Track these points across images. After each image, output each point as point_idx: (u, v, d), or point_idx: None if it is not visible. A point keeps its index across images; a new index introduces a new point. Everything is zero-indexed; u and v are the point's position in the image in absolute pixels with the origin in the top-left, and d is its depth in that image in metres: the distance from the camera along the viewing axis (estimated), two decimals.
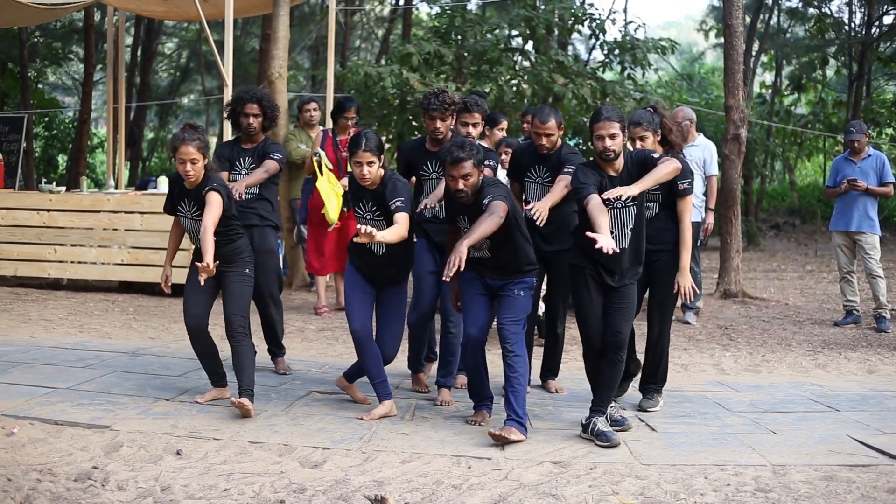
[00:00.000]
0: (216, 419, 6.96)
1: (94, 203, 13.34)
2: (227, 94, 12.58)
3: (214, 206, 6.98)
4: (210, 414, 7.09)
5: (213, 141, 31.94)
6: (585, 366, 7.06)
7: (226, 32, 12.88)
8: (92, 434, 6.54)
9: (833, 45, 28.65)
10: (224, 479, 5.69)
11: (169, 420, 6.92)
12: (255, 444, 6.45)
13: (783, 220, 28.74)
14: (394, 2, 33.15)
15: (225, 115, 8.92)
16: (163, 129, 37.06)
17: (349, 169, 7.41)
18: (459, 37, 17.76)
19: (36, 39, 27.86)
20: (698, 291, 11.71)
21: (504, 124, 9.79)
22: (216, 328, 7.60)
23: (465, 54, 17.47)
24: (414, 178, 8.01)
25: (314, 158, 11.03)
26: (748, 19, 26.09)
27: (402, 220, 6.86)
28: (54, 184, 15.38)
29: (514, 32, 18.15)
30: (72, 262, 13.27)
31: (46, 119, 29.93)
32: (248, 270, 7.37)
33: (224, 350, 7.63)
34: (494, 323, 7.56)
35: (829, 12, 28.80)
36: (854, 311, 12.13)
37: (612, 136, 6.63)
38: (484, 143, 9.51)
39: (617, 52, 17.79)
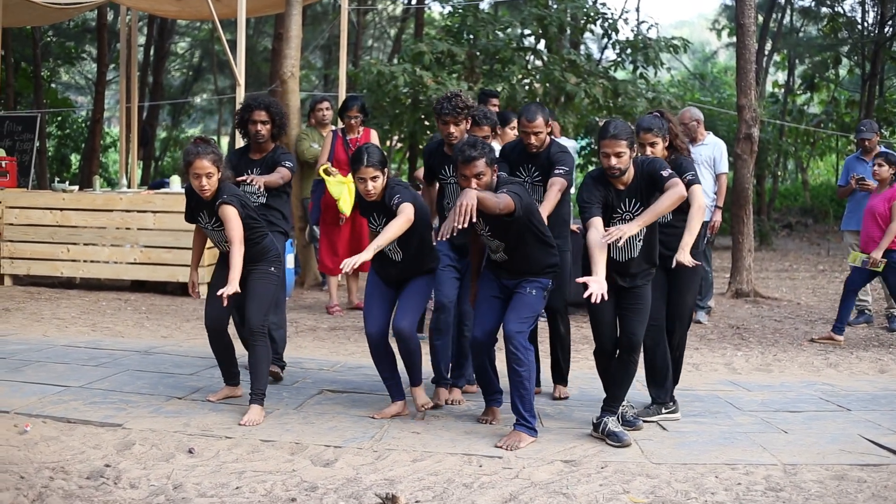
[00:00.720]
0: (228, 418, 6.97)
1: (106, 202, 13.37)
2: (240, 94, 12.63)
3: (233, 220, 6.91)
4: (222, 412, 7.11)
5: (225, 142, 32.03)
6: (596, 364, 7.03)
7: (238, 32, 12.91)
8: (104, 432, 6.57)
9: (846, 45, 28.55)
10: (236, 478, 5.71)
11: (181, 418, 6.94)
12: (266, 442, 6.47)
13: (795, 220, 28.68)
14: (406, 1, 33.14)
15: (234, 123, 8.78)
16: (175, 129, 37.15)
17: None
18: (472, 36, 17.79)
19: (49, 39, 27.95)
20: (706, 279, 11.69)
21: (515, 123, 9.79)
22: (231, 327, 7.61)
23: (478, 53, 17.50)
24: (437, 184, 7.97)
25: (321, 170, 11.13)
26: (761, 18, 26.06)
27: (403, 211, 6.76)
28: (67, 183, 15.41)
29: (527, 31, 18.19)
30: (84, 260, 13.30)
31: (59, 118, 30.01)
32: (273, 269, 7.28)
33: (240, 350, 7.67)
34: None
35: (841, 11, 28.71)
36: (866, 311, 12.11)
37: (619, 155, 6.48)
38: (496, 144, 9.52)
39: (629, 51, 17.82)
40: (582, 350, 9.72)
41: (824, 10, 28.77)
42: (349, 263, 6.47)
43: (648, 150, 7.09)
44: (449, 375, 7.79)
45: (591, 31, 19.30)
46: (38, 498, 5.20)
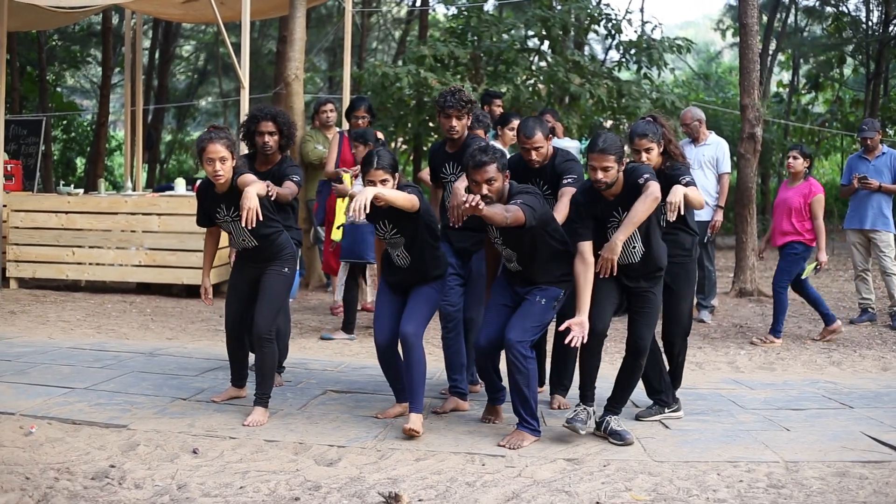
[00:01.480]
0: (232, 418, 7.00)
1: (111, 205, 13.41)
2: (244, 97, 12.66)
3: (253, 183, 6.75)
4: (226, 413, 7.14)
5: None
6: (580, 352, 6.81)
7: (243, 35, 12.94)
8: (109, 433, 6.59)
9: (850, 44, 28.56)
10: (240, 478, 5.73)
11: (185, 419, 6.97)
12: (270, 442, 6.49)
13: None
14: (410, 3, 33.17)
15: (240, 136, 8.44)
16: (180, 132, 37.16)
17: None
18: (476, 37, 17.83)
19: (54, 43, 28.02)
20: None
21: (515, 123, 9.79)
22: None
23: (482, 55, 17.53)
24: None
25: (341, 176, 11.10)
26: (765, 18, 26.11)
27: (408, 195, 6.63)
28: (72, 186, 15.46)
29: (531, 33, 18.25)
30: (90, 263, 13.34)
31: (65, 122, 30.09)
32: (286, 270, 7.18)
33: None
34: None
35: (846, 11, 28.73)
36: (869, 309, 12.11)
37: (606, 169, 6.40)
38: (497, 144, 9.53)
39: (633, 51, 17.84)
40: None
41: (828, 9, 28.80)
42: (353, 207, 6.20)
43: (643, 156, 7.02)
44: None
45: (595, 32, 19.35)
46: (44, 498, 5.23)
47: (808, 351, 10.33)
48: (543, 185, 7.33)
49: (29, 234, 13.45)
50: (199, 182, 7.43)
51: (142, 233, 13.16)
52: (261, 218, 6.63)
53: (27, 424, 6.61)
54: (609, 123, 18.55)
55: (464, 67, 17.23)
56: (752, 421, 7.31)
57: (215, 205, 7.03)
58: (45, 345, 9.60)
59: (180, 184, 14.22)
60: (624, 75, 19.12)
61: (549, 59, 18.19)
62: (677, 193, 6.77)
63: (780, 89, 31.15)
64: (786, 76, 33.81)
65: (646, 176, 6.47)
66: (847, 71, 31.20)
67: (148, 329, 10.86)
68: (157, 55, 29.89)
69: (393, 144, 20.75)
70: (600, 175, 6.41)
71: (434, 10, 30.71)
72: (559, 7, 18.06)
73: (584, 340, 6.29)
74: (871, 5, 28.74)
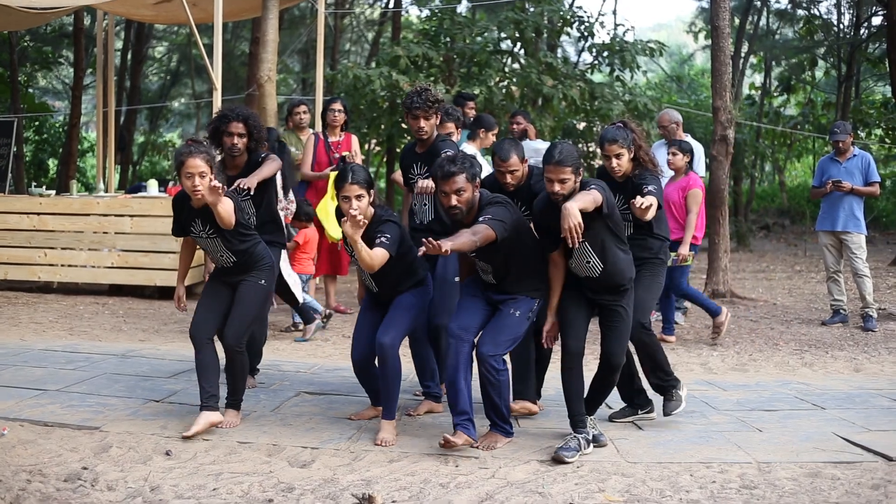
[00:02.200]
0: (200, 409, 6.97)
1: (84, 206, 13.36)
2: (217, 98, 12.62)
3: (226, 202, 6.59)
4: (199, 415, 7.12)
5: None
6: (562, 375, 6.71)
7: (215, 36, 12.91)
8: (81, 435, 6.58)
9: (822, 47, 28.73)
10: (213, 479, 5.73)
11: (158, 421, 6.95)
12: (244, 444, 6.49)
13: (773, 221, 28.80)
14: (384, 4, 33.17)
15: (206, 134, 8.08)
16: (153, 133, 37.02)
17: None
18: (449, 39, 17.83)
19: (26, 44, 27.84)
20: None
21: (496, 130, 9.79)
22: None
23: (455, 57, 17.54)
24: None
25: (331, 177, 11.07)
26: (737, 21, 26.18)
27: (376, 255, 6.40)
28: (44, 187, 15.39)
29: (503, 35, 18.22)
30: (62, 265, 13.28)
31: (37, 123, 29.91)
32: (263, 282, 7.03)
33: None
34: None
35: (817, 14, 28.89)
36: (841, 311, 12.17)
37: (563, 182, 6.23)
38: (473, 147, 9.53)
39: (606, 54, 17.87)
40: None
41: (800, 12, 28.93)
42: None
43: (614, 161, 6.84)
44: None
45: (568, 35, 19.37)
46: (16, 501, 5.21)
47: (781, 352, 10.38)
48: (521, 205, 7.04)
49: (0, 236, 13.37)
50: (173, 189, 7.27)
51: (114, 234, 13.11)
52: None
53: None
54: (582, 125, 18.59)
55: (437, 69, 17.24)
56: (724, 422, 7.34)
57: (191, 218, 6.91)
58: (16, 346, 9.56)
59: (153, 185, 14.17)
60: (597, 77, 19.16)
61: (522, 62, 18.23)
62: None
63: (753, 92, 31.25)
64: (758, 78, 33.96)
65: (590, 187, 6.28)
66: (819, 73, 31.39)
67: (120, 331, 10.82)
68: (129, 56, 29.80)
69: (366, 146, 20.74)
70: (557, 188, 6.25)
71: (407, 12, 30.72)
72: (532, 9, 18.09)
73: (556, 339, 6.24)
74: (842, 8, 28.92)
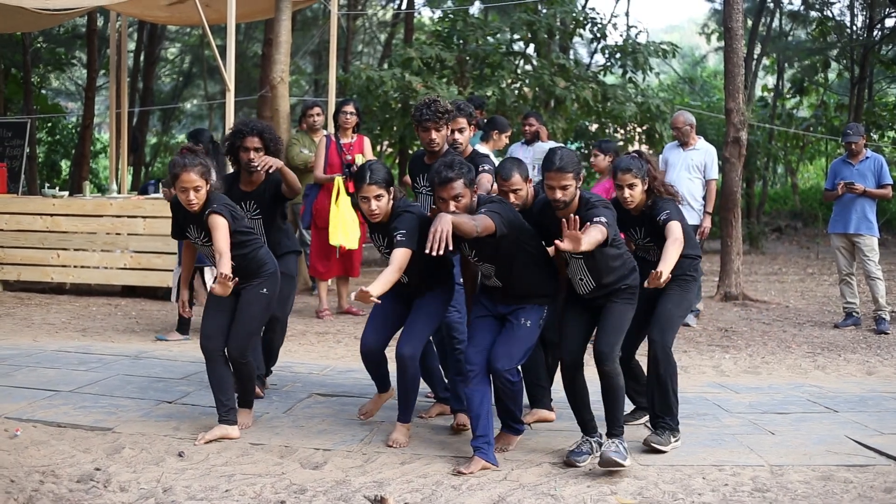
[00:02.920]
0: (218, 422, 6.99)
1: (96, 208, 13.39)
2: (230, 99, 12.62)
3: (221, 229, 6.49)
4: (213, 416, 7.06)
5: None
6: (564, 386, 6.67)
7: (228, 37, 12.92)
8: (94, 436, 6.59)
9: (835, 48, 28.60)
10: (225, 481, 5.73)
11: (171, 422, 6.97)
12: (256, 445, 6.50)
13: (785, 223, 28.69)
14: (396, 6, 33.17)
15: (223, 150, 8.00)
16: (166, 135, 37.07)
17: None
18: (461, 41, 17.84)
19: (39, 45, 27.90)
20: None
21: (509, 132, 9.76)
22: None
23: (467, 58, 17.55)
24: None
25: (336, 182, 11.11)
26: (750, 22, 26.11)
27: (396, 258, 6.19)
28: (57, 189, 15.42)
29: (516, 36, 18.23)
30: (75, 266, 13.32)
31: (49, 124, 29.97)
32: (265, 290, 6.90)
33: None
34: None
35: (830, 15, 28.79)
36: (854, 314, 12.14)
37: (564, 188, 6.14)
38: (486, 148, 9.52)
39: (618, 55, 17.87)
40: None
41: (813, 13, 28.83)
42: (361, 295, 5.85)
43: (626, 192, 6.64)
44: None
45: (581, 36, 19.37)
46: (29, 501, 5.23)
47: (793, 355, 10.36)
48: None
49: (13, 237, 13.42)
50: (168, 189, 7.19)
51: (127, 235, 13.13)
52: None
53: (12, 427, 6.60)
54: (595, 127, 18.57)
55: (449, 71, 17.24)
56: (737, 425, 7.33)
57: (187, 223, 6.87)
58: (29, 347, 9.58)
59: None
60: (609, 79, 19.14)
61: (535, 63, 18.22)
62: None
63: (765, 93, 31.15)
64: (770, 80, 33.85)
65: (597, 215, 6.16)
66: (831, 75, 31.25)
67: (133, 332, 10.84)
68: (142, 57, 29.82)
69: (378, 148, 20.74)
70: (559, 194, 6.17)
71: (420, 14, 30.73)
72: (544, 11, 18.09)
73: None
74: (855, 10, 28.82)
